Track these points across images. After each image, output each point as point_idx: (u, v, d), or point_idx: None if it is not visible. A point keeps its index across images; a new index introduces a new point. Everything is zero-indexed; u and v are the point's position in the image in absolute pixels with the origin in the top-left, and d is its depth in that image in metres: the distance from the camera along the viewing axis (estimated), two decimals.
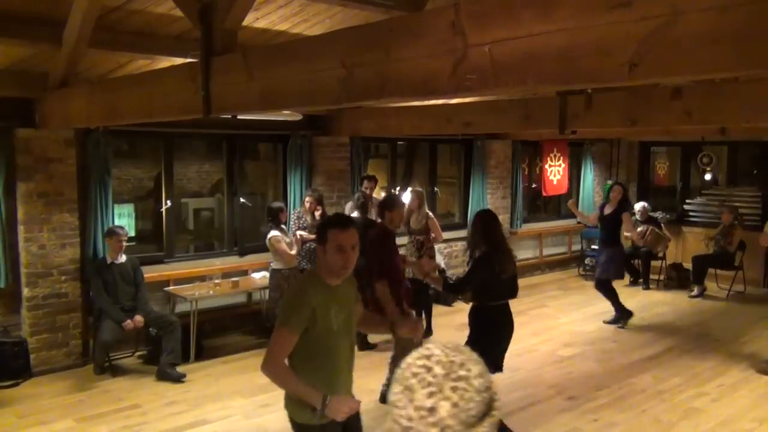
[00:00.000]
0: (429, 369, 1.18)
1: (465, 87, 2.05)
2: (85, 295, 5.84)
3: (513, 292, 4.32)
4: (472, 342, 4.21)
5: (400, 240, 7.79)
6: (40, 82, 4.98)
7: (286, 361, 2.61)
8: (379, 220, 6.45)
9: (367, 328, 3.25)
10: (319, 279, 2.67)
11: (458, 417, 1.13)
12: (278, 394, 5.57)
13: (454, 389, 1.15)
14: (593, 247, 10.38)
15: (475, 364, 1.21)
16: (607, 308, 8.21)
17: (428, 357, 1.20)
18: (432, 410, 1.14)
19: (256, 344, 6.54)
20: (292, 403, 2.65)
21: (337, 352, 2.68)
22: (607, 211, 7.59)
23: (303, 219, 6.64)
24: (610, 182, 10.85)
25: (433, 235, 6.75)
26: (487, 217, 4.38)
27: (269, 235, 6.16)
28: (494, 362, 4.16)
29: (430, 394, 1.15)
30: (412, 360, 1.21)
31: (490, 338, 4.14)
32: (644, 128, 7.99)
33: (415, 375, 1.19)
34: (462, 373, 1.18)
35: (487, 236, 4.22)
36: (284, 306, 2.72)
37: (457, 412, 1.13)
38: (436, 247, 6.99)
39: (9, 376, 5.39)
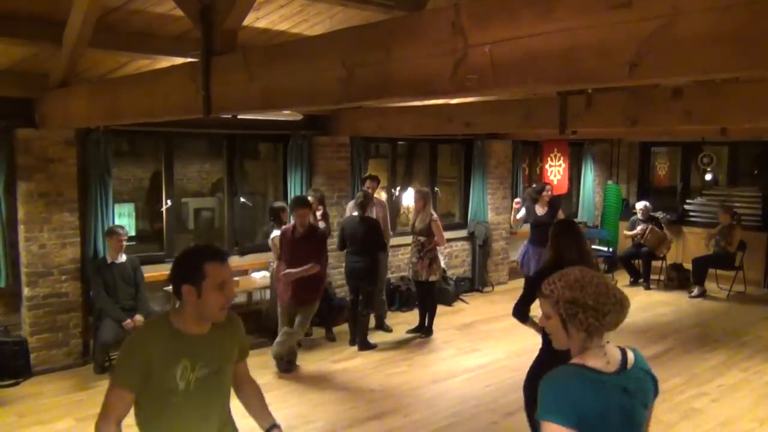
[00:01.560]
0: (597, 275, 1.92)
1: (465, 87, 2.05)
2: (85, 295, 5.84)
3: None
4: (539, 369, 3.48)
5: (405, 240, 7.83)
6: (40, 82, 4.98)
7: (121, 423, 2.22)
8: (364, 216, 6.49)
9: (242, 398, 2.58)
10: (168, 326, 2.19)
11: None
12: (278, 394, 5.60)
13: (608, 283, 1.89)
14: (593, 247, 10.40)
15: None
16: None
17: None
18: (606, 285, 1.87)
19: (256, 344, 6.53)
20: None
21: (183, 418, 2.21)
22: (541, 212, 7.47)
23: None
24: (610, 182, 10.88)
25: (435, 238, 6.75)
26: (559, 228, 3.74)
27: (272, 235, 6.16)
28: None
29: (601, 282, 1.87)
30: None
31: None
32: (644, 128, 7.98)
33: (593, 276, 1.88)
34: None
35: (570, 249, 3.55)
36: (117, 358, 2.25)
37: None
38: (439, 248, 6.99)
39: (9, 376, 5.39)
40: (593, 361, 1.80)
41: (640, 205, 9.54)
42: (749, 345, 6.70)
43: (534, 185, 8.18)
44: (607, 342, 1.84)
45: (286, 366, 5.76)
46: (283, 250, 5.69)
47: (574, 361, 1.83)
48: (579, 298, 1.78)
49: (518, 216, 7.63)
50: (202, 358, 2.20)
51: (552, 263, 3.48)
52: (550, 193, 7.65)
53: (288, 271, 5.49)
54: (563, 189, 10.32)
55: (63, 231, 5.66)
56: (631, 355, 1.87)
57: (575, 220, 10.67)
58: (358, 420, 4.82)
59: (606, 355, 1.81)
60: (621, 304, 1.80)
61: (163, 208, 6.65)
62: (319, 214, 6.65)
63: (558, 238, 3.62)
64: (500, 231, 9.42)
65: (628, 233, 9.64)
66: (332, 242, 7.32)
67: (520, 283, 8.92)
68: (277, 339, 5.68)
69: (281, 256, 5.72)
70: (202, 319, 2.20)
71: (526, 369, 3.54)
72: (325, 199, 6.92)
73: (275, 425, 2.46)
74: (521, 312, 3.68)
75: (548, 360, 3.07)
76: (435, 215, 6.89)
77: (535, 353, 3.52)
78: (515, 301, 3.73)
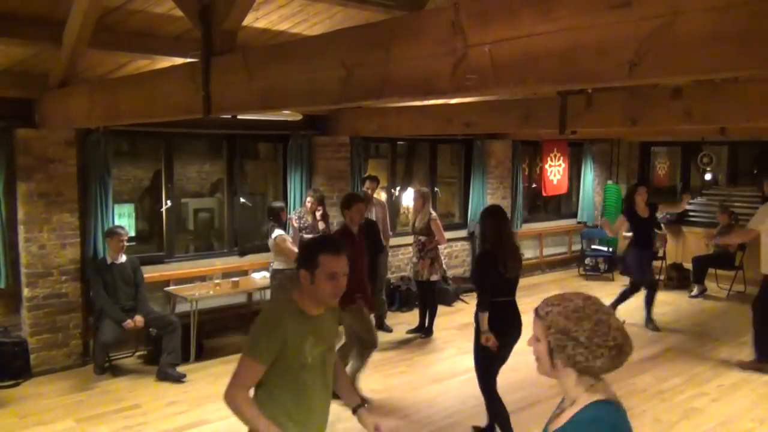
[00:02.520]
0: (588, 300, 1.73)
1: (465, 87, 2.05)
2: (85, 295, 5.84)
3: (514, 290, 4.30)
4: (477, 339, 4.23)
5: (405, 240, 7.84)
6: (40, 82, 4.98)
7: (251, 391, 2.40)
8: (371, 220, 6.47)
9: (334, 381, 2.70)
10: (296, 306, 2.41)
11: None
12: None
13: (607, 314, 1.70)
14: (593, 246, 10.41)
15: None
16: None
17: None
18: (606, 322, 1.69)
19: None
20: None
21: (309, 389, 2.43)
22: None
23: (304, 219, 6.64)
24: (610, 182, 10.88)
25: (436, 237, 6.76)
26: (491, 214, 4.35)
27: (274, 235, 6.15)
28: (501, 356, 4.19)
29: (606, 313, 1.70)
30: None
31: (495, 333, 4.12)
32: (644, 128, 7.98)
33: (590, 305, 1.69)
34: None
35: (491, 233, 4.21)
36: (253, 332, 2.41)
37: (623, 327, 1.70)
38: (440, 247, 6.99)
39: (9, 376, 5.39)
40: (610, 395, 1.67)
41: None
42: (749, 345, 6.69)
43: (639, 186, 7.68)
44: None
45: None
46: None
47: (597, 398, 1.65)
48: (571, 330, 1.62)
49: (626, 233, 7.81)
50: (320, 336, 2.44)
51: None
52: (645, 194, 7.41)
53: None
54: (563, 189, 10.32)
55: (63, 231, 5.66)
56: None
57: (575, 219, 10.70)
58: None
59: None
60: (619, 350, 1.62)
61: (163, 209, 6.65)
62: (318, 214, 6.65)
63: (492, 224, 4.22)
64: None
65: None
66: None
67: (521, 282, 8.90)
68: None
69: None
70: (315, 303, 2.41)
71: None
72: (325, 200, 6.92)
73: (362, 404, 2.62)
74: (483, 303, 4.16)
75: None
76: (434, 214, 6.89)
77: None
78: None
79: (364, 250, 5.35)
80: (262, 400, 2.40)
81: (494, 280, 4.14)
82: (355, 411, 2.59)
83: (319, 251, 2.36)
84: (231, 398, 2.33)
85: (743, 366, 5.95)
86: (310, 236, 6.56)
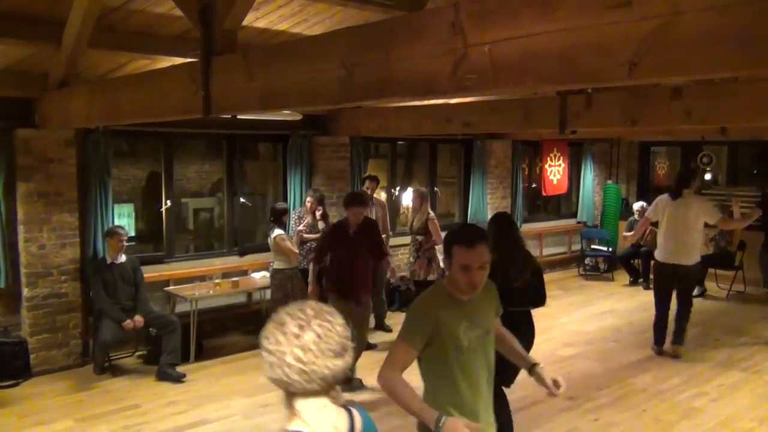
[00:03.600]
0: (302, 310, 1.45)
1: (465, 87, 2.05)
2: (85, 295, 5.84)
3: (534, 301, 3.97)
4: None
5: (405, 239, 7.82)
6: (40, 82, 4.98)
7: (403, 375, 2.41)
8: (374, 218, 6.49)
9: (502, 348, 2.76)
10: (446, 292, 2.46)
11: (319, 346, 1.40)
12: (278, 394, 5.57)
13: (320, 325, 1.41)
14: (593, 247, 10.41)
15: (338, 316, 1.48)
16: (606, 308, 8.22)
17: (303, 304, 1.48)
18: (298, 336, 1.40)
19: (256, 344, 6.49)
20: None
21: (470, 372, 2.46)
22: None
23: (304, 219, 6.65)
24: (610, 182, 10.88)
25: (433, 237, 6.75)
26: (494, 221, 4.15)
27: (274, 234, 6.15)
28: (509, 373, 3.81)
29: (300, 326, 1.41)
30: (288, 307, 1.47)
31: None
32: (644, 128, 7.99)
33: (289, 314, 1.45)
34: (329, 318, 1.45)
35: (492, 241, 3.99)
36: (406, 319, 2.48)
37: (318, 342, 1.40)
38: (438, 247, 6.98)
39: (9, 376, 5.39)
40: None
41: (637, 206, 9.54)
42: (748, 344, 6.70)
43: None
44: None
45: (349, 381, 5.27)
46: (332, 249, 5.40)
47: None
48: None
49: (626, 233, 7.78)
50: (474, 319, 2.46)
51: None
52: None
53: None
54: (563, 189, 10.32)
55: (62, 231, 5.66)
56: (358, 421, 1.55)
57: (575, 219, 10.70)
58: None
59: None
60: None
61: (163, 209, 6.65)
62: (318, 214, 6.65)
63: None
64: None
65: (626, 234, 9.64)
66: None
67: None
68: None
69: (323, 255, 5.43)
70: (461, 289, 2.41)
71: None
72: (325, 199, 6.92)
73: (536, 363, 2.71)
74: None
75: None
76: (432, 214, 6.89)
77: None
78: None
79: (364, 251, 5.31)
80: (429, 387, 2.48)
81: (502, 291, 3.84)
82: (530, 371, 2.69)
83: (452, 242, 2.38)
84: (385, 380, 2.38)
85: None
86: (309, 235, 6.58)
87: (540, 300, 3.99)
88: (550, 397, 2.75)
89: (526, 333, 3.93)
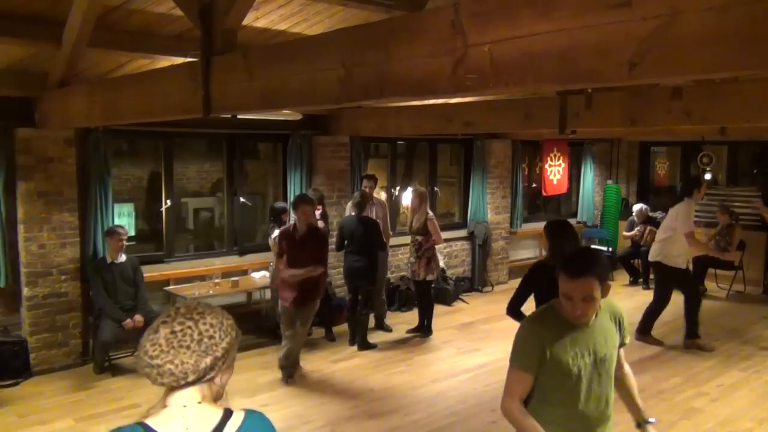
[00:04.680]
0: (177, 308, 1.48)
1: (465, 87, 2.05)
2: (84, 295, 5.84)
3: None
4: None
5: (405, 239, 7.82)
6: (40, 82, 4.98)
7: (522, 401, 2.38)
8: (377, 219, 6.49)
9: (619, 389, 2.62)
10: (555, 314, 2.35)
11: (170, 342, 1.40)
12: (277, 395, 5.60)
13: (181, 323, 1.43)
14: (593, 246, 10.41)
15: (214, 317, 1.48)
16: None
17: (184, 304, 1.51)
18: (156, 331, 1.43)
19: (256, 344, 6.55)
20: None
21: (580, 399, 2.34)
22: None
23: None
24: (610, 182, 10.88)
25: (432, 237, 6.76)
26: (560, 232, 3.78)
27: (273, 234, 6.17)
28: None
29: (162, 322, 1.44)
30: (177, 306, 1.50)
31: None
32: (644, 128, 7.99)
33: (166, 313, 1.48)
34: (195, 316, 1.45)
35: (557, 249, 3.70)
36: (515, 342, 2.42)
37: (171, 338, 1.40)
38: (437, 247, 6.99)
39: (9, 376, 5.39)
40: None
41: (636, 207, 9.55)
42: (749, 345, 6.70)
43: None
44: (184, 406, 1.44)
45: (289, 374, 5.60)
46: (282, 250, 5.55)
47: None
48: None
49: (626, 233, 8.05)
50: (588, 346, 2.32)
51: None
52: None
53: (293, 271, 5.28)
54: (563, 189, 10.32)
55: (62, 231, 5.66)
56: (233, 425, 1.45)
57: (575, 219, 10.70)
58: (358, 420, 4.82)
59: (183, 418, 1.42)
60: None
61: (163, 208, 6.65)
62: (318, 213, 6.65)
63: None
64: (500, 231, 9.42)
65: (626, 234, 9.65)
66: (331, 242, 7.33)
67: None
68: (283, 350, 5.51)
69: (281, 255, 5.55)
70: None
71: None
72: (325, 199, 6.92)
73: (647, 421, 2.56)
74: (515, 311, 3.83)
75: None
76: (431, 214, 6.89)
77: None
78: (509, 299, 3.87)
79: (306, 256, 5.30)
80: (536, 412, 2.37)
81: (544, 295, 3.67)
82: (639, 426, 2.58)
83: (560, 270, 2.29)
84: (506, 410, 2.34)
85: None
86: None
87: None
88: None
89: None
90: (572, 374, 2.30)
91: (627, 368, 2.64)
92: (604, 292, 2.29)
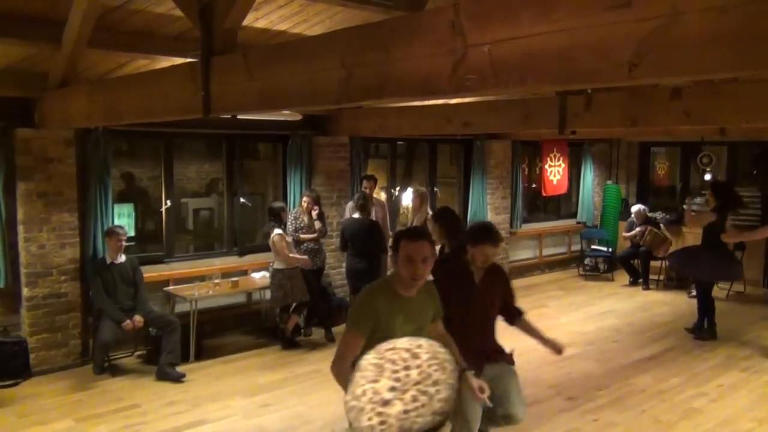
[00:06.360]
0: (407, 368, 1.36)
1: (465, 87, 2.05)
2: (84, 295, 5.84)
3: None
4: None
5: None
6: (39, 82, 4.98)
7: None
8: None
9: None
10: (389, 286, 2.75)
11: (402, 422, 1.27)
12: (278, 395, 5.59)
13: (414, 399, 1.30)
14: (593, 247, 10.41)
15: (447, 389, 1.39)
16: (606, 308, 8.22)
17: (415, 356, 1.29)
18: (386, 403, 1.29)
19: (256, 344, 6.54)
20: None
21: None
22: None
23: (300, 219, 6.65)
24: (610, 182, 10.88)
25: (433, 237, 6.75)
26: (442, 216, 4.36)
27: (273, 234, 6.17)
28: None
29: (392, 389, 1.30)
30: (401, 347, 1.31)
31: None
32: (644, 128, 7.99)
33: (393, 362, 1.38)
34: (431, 390, 1.32)
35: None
36: (351, 309, 2.79)
37: (404, 418, 1.26)
38: (437, 247, 6.98)
39: (8, 376, 5.39)
40: None
41: (635, 208, 9.54)
42: (749, 345, 6.70)
43: None
44: None
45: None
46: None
47: None
48: None
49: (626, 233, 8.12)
50: (411, 315, 2.73)
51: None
52: None
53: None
54: (563, 189, 10.32)
55: (62, 231, 5.66)
56: None
57: (575, 220, 10.70)
58: None
59: None
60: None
61: (163, 209, 6.65)
62: (315, 214, 6.65)
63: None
64: (500, 231, 9.39)
65: (626, 235, 9.65)
66: (331, 242, 7.33)
67: (520, 283, 8.92)
68: None
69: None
70: (404, 285, 2.71)
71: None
72: (321, 199, 6.91)
73: (466, 368, 2.84)
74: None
75: None
76: (431, 214, 6.89)
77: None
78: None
79: None
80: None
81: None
82: (460, 374, 2.74)
83: (400, 237, 2.73)
84: (336, 371, 2.63)
85: None
86: (306, 236, 6.58)
87: None
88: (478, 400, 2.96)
89: None
90: (397, 338, 2.59)
91: (446, 334, 3.03)
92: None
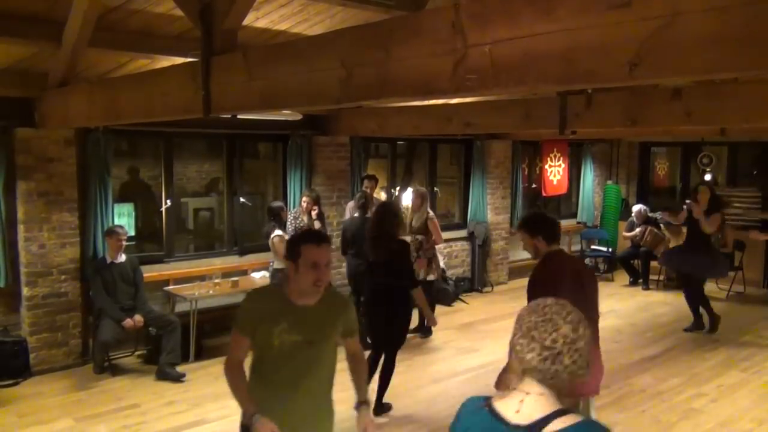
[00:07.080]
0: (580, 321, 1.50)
1: (465, 87, 2.05)
2: (84, 295, 5.84)
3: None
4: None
5: (404, 239, 7.82)
6: (39, 82, 4.98)
7: (243, 363, 2.59)
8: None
9: (350, 369, 2.88)
10: (280, 293, 2.57)
11: (567, 343, 1.45)
12: None
13: (576, 333, 1.47)
14: (593, 247, 10.41)
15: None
16: (606, 308, 8.20)
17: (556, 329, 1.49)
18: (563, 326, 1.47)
19: None
20: None
21: (282, 374, 2.52)
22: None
23: (299, 219, 6.65)
24: (610, 182, 10.88)
25: (433, 237, 6.75)
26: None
27: (273, 235, 6.17)
28: None
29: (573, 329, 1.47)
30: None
31: None
32: (644, 128, 7.99)
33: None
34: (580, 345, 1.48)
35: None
36: (238, 310, 2.71)
37: (567, 341, 1.45)
38: (437, 247, 6.99)
39: (9, 376, 5.39)
40: (502, 405, 1.53)
41: (635, 208, 9.54)
42: (748, 345, 6.70)
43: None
44: (527, 393, 1.50)
45: None
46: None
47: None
48: (520, 318, 1.54)
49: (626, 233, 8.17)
50: (299, 326, 2.50)
51: None
52: None
53: None
54: (563, 189, 10.32)
55: (62, 231, 5.66)
56: (555, 427, 1.45)
57: (575, 220, 10.70)
58: None
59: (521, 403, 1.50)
60: (555, 358, 1.47)
61: (163, 208, 6.65)
62: (314, 213, 6.64)
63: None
64: (500, 231, 9.42)
65: (626, 235, 9.65)
66: (331, 243, 7.32)
67: (520, 283, 8.92)
68: None
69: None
70: (301, 292, 2.50)
71: None
72: (320, 199, 6.90)
73: (363, 402, 2.74)
74: None
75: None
76: (431, 213, 6.89)
77: None
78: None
79: None
80: (251, 376, 2.61)
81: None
82: (357, 407, 2.72)
83: (301, 242, 2.50)
84: (224, 370, 2.57)
85: None
86: None
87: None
88: None
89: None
90: (273, 346, 2.48)
91: (359, 355, 2.84)
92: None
